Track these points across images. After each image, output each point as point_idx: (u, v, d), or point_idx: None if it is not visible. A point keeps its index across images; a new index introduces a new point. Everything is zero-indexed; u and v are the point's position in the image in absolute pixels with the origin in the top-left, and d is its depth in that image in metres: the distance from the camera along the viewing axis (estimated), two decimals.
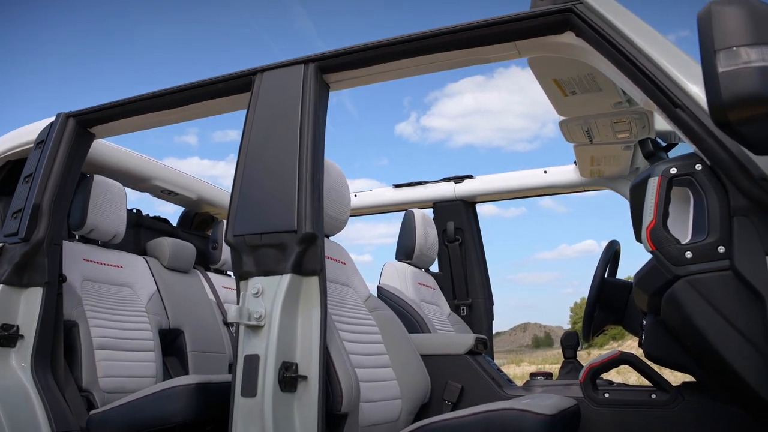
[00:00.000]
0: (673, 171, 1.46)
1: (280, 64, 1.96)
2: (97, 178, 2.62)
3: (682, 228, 1.47)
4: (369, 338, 2.15)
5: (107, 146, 2.78)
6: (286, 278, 1.69)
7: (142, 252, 3.05)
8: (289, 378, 1.63)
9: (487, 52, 1.78)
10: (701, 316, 1.40)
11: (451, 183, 3.46)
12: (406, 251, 3.02)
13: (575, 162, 3.04)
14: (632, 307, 2.30)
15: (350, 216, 3.85)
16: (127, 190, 2.85)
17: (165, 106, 2.17)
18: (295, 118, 1.84)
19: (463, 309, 3.34)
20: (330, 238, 2.33)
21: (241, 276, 1.77)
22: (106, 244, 2.73)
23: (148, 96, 2.16)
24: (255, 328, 1.69)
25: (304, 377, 1.66)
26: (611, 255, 2.53)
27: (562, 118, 2.34)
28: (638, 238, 1.63)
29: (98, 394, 2.31)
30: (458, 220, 3.42)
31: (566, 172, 3.18)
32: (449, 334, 2.80)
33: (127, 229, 3.09)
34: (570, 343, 2.35)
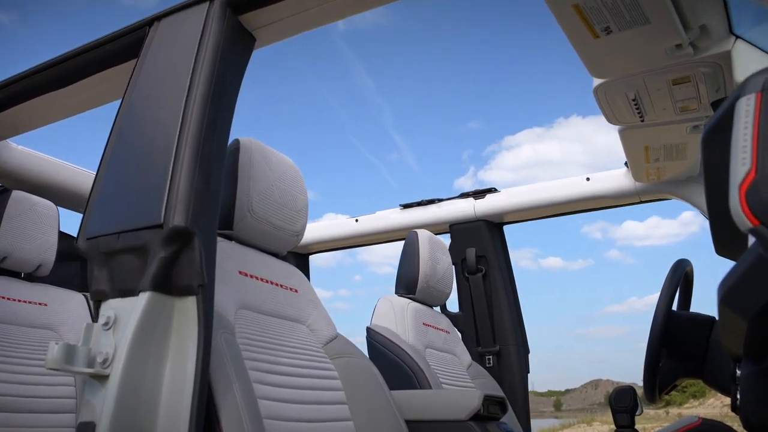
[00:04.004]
0: None
1: (180, 5, 1.41)
2: (17, 194, 2.12)
3: None
4: (322, 397, 1.49)
5: (36, 157, 2.29)
6: (143, 299, 1.07)
7: None
8: None
9: None
10: None
11: (470, 199, 2.78)
12: (407, 283, 2.35)
13: (626, 163, 2.33)
14: (716, 350, 1.54)
15: (353, 246, 3.28)
16: None
17: (56, 83, 1.64)
18: (185, 74, 1.26)
19: (488, 359, 2.61)
20: (279, 257, 1.72)
21: (94, 298, 1.18)
22: (31, 277, 2.20)
23: (33, 71, 1.64)
24: (99, 379, 1.07)
25: None
26: (680, 279, 1.77)
27: (598, 81, 1.67)
28: (719, 248, 0.94)
29: None
30: (481, 246, 2.73)
31: (615, 177, 2.46)
32: (448, 391, 2.08)
33: (74, 261, 2.58)
34: (624, 404, 1.60)
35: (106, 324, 1.10)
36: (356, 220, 3.03)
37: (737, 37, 1.45)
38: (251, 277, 1.51)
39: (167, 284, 1.09)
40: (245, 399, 1.18)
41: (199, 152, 1.16)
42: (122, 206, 1.19)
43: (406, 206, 2.93)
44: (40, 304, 2.17)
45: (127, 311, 1.09)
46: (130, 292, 1.11)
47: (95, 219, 1.21)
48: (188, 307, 1.09)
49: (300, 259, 3.27)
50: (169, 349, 1.09)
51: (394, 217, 2.94)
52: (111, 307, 1.12)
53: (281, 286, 1.61)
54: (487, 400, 1.64)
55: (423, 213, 2.87)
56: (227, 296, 1.39)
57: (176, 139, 1.17)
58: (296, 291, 1.66)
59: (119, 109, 1.34)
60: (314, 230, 3.14)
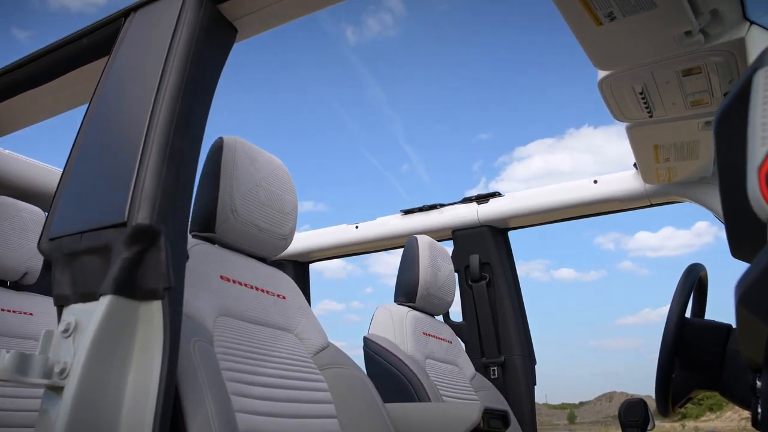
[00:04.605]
0: None
1: None
2: (2, 199, 2.06)
3: None
4: (309, 410, 1.40)
5: (23, 161, 2.23)
6: (104, 303, 0.98)
7: None
8: None
9: None
10: None
11: (473, 204, 2.68)
12: (406, 291, 2.25)
13: (635, 164, 2.23)
14: (734, 360, 1.43)
15: (353, 254, 3.18)
16: None
17: (35, 80, 1.58)
18: (158, 66, 1.18)
19: (493, 370, 2.50)
20: (267, 262, 1.63)
21: (57, 303, 1.09)
22: (17, 286, 2.13)
23: (11, 67, 1.58)
24: (56, 391, 0.99)
25: None
26: (693, 284, 1.66)
27: (602, 74, 1.57)
28: (735, 250, 0.84)
29: None
30: (485, 253, 2.63)
31: (624, 179, 2.35)
32: (446, 404, 1.97)
33: None
34: (634, 418, 1.49)
35: (65, 331, 1.02)
36: (356, 227, 2.94)
37: (752, 22, 1.36)
38: (234, 282, 1.42)
39: (131, 287, 1.00)
40: (219, 412, 1.09)
41: (168, 147, 1.08)
42: (87, 205, 1.11)
43: (407, 212, 2.83)
44: (25, 313, 2.10)
45: (89, 317, 1.00)
46: (91, 296, 1.02)
47: (59, 219, 1.13)
48: (151, 312, 1.00)
49: (299, 268, 3.18)
50: (133, 358, 1.00)
51: (395, 223, 2.84)
52: (72, 312, 1.04)
53: (267, 292, 1.52)
54: (488, 413, 1.54)
55: (425, 219, 2.77)
56: (206, 302, 1.30)
57: (144, 134, 1.09)
58: (284, 297, 1.57)
59: (90, 103, 1.26)
60: (313, 238, 3.06)
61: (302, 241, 3.08)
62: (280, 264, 3.09)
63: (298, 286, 3.11)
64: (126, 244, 1.00)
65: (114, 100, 1.23)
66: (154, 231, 1.01)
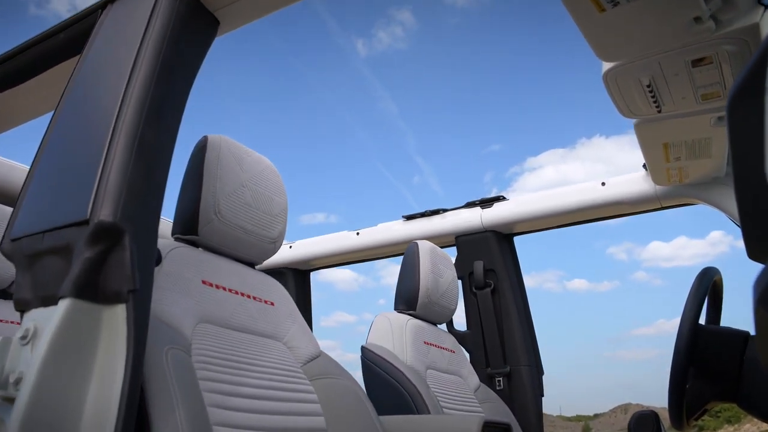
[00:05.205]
0: None
1: None
2: None
3: None
4: (297, 423, 1.31)
5: (9, 166, 2.18)
6: (63, 307, 0.91)
7: None
8: None
9: None
10: None
11: (477, 209, 2.60)
12: (406, 298, 2.17)
13: (644, 165, 2.13)
14: (752, 369, 1.33)
15: (355, 261, 3.10)
16: None
17: (9, 79, 1.52)
18: (129, 58, 1.12)
19: (498, 381, 2.40)
20: (259, 268, 1.56)
21: (18, 308, 1.02)
22: (5, 294, 2.07)
23: None
24: (10, 402, 0.91)
25: None
26: (707, 289, 1.55)
27: (607, 66, 1.49)
28: (752, 251, 0.75)
29: None
30: (489, 259, 2.53)
31: (633, 181, 2.26)
32: (444, 417, 1.87)
33: None
34: (645, 431, 1.39)
35: (24, 337, 0.94)
36: (357, 233, 2.86)
37: (766, 7, 1.27)
38: (217, 287, 1.34)
39: (92, 290, 0.93)
40: (191, 425, 1.00)
41: (136, 141, 1.00)
42: (50, 203, 1.05)
43: (409, 217, 2.75)
44: (12, 322, 2.04)
45: (48, 322, 0.93)
46: (51, 299, 0.95)
47: (21, 218, 1.06)
48: (117, 316, 0.93)
49: (300, 276, 3.10)
50: (94, 367, 0.92)
51: (396, 229, 2.76)
52: (32, 317, 0.97)
53: (254, 298, 1.44)
54: (488, 426, 1.45)
55: (427, 224, 2.69)
56: (185, 308, 1.23)
57: (112, 128, 1.02)
58: (272, 304, 1.49)
59: (61, 98, 1.20)
60: (313, 245, 2.98)
61: (302, 248, 3.01)
62: (280, 272, 3.02)
63: (299, 294, 3.02)
64: (88, 243, 0.93)
65: (84, 95, 1.16)
66: (117, 229, 0.93)
